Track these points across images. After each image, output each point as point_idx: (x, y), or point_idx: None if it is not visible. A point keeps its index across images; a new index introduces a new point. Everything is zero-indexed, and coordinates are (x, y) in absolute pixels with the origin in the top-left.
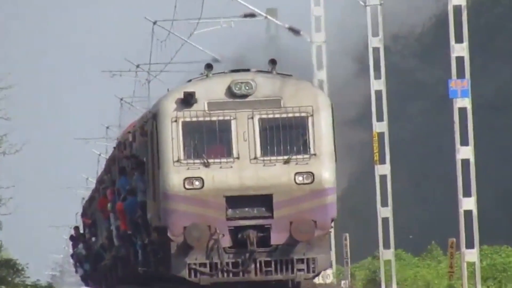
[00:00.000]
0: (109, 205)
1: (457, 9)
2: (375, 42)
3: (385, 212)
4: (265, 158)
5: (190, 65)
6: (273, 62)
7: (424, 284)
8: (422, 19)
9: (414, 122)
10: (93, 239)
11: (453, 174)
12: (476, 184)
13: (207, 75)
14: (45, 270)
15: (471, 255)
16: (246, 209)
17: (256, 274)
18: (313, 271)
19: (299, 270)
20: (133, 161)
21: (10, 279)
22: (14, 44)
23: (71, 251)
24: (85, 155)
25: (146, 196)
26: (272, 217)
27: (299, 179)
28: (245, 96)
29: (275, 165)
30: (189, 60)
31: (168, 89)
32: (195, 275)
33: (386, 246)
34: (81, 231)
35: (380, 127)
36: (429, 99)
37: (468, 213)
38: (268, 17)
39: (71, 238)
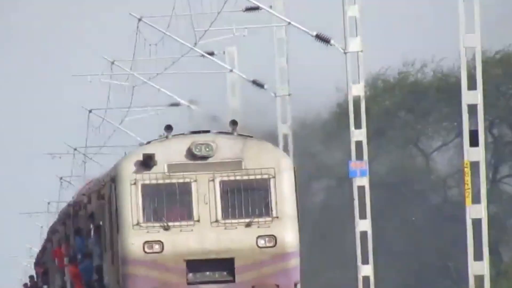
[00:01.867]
0: (66, 259)
1: (356, 99)
2: (285, 128)
3: None
4: (227, 221)
5: (122, 148)
6: (233, 123)
7: None
8: (326, 108)
9: (318, 199)
10: (45, 287)
11: (353, 245)
12: (374, 252)
13: (166, 137)
14: None
15: None
16: (207, 273)
17: None
18: None
19: None
20: (89, 224)
21: None
22: None
23: None
24: (28, 228)
25: (102, 260)
26: (234, 281)
27: (261, 242)
28: (205, 158)
29: (236, 228)
30: (121, 143)
31: (125, 153)
32: None
33: None
34: (35, 279)
35: None
36: (332, 179)
37: (366, 278)
38: (191, 106)
39: (25, 286)
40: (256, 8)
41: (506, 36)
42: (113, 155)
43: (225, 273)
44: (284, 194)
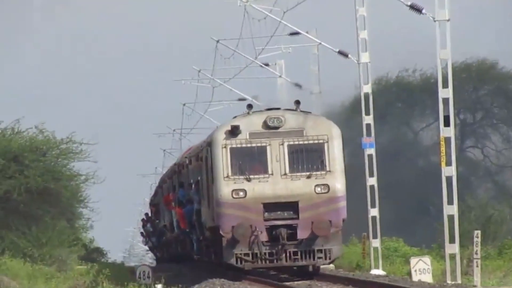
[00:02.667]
0: (173, 203)
1: (366, 95)
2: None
3: None
4: (292, 174)
5: (206, 130)
6: (297, 102)
7: (348, 260)
8: (346, 100)
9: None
10: (157, 221)
11: (365, 194)
12: (379, 199)
13: (248, 113)
14: (120, 248)
15: (376, 243)
16: (279, 212)
17: (286, 261)
18: (330, 259)
19: (319, 258)
20: (190, 179)
21: (98, 259)
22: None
23: (141, 231)
24: (142, 185)
25: (200, 205)
26: (298, 218)
27: (318, 189)
28: (277, 128)
29: (300, 179)
30: (205, 126)
31: (217, 126)
32: (241, 262)
33: None
34: (149, 215)
35: None
36: (351, 148)
37: (373, 217)
38: (253, 100)
39: (143, 220)
40: (297, 33)
41: (467, 52)
42: (200, 135)
43: (291, 212)
44: (335, 154)
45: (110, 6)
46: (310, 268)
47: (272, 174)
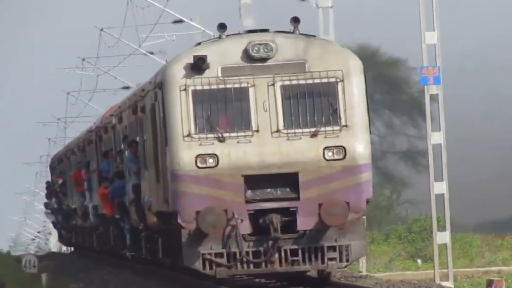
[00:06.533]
0: (85, 184)
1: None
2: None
3: None
4: (289, 131)
5: (91, 118)
6: (295, 20)
7: None
8: None
9: None
10: (64, 197)
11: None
12: None
13: (220, 37)
14: (6, 238)
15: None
16: (268, 190)
17: (280, 264)
18: (347, 260)
19: (331, 259)
20: (120, 144)
21: None
22: None
23: (45, 201)
24: (28, 173)
25: (139, 179)
26: (298, 198)
27: (329, 154)
28: (264, 59)
29: (300, 138)
30: (90, 115)
31: (166, 61)
32: (210, 267)
33: None
34: (52, 184)
35: None
36: None
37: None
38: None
39: (47, 188)
40: (181, 21)
41: (349, 39)
42: (85, 123)
43: (288, 189)
44: (354, 100)
45: None
46: (316, 274)
47: (257, 131)
